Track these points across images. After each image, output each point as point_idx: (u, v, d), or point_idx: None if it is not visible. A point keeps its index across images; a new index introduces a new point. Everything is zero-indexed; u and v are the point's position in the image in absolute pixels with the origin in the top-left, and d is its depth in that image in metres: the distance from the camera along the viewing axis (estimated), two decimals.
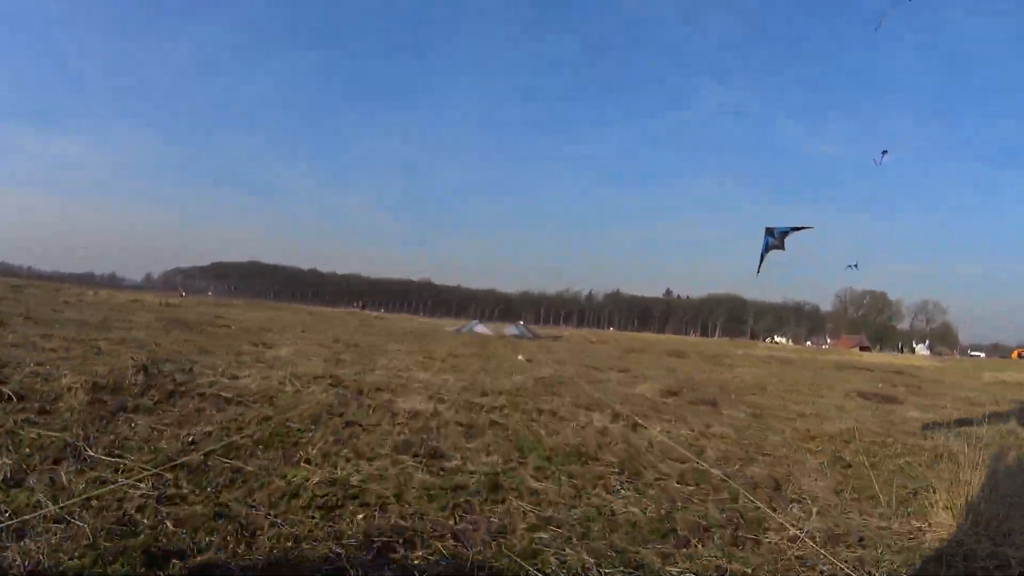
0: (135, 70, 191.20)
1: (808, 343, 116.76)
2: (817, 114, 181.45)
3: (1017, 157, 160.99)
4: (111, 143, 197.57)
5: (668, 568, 3.30)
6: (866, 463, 5.85)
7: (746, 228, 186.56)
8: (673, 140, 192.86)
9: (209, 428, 5.11)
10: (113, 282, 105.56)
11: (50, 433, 4.40)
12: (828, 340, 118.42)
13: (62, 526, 3.04)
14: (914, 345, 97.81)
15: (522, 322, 61.37)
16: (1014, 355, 61.08)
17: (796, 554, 3.60)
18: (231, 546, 3.02)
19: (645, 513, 4.10)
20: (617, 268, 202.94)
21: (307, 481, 4.00)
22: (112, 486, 3.59)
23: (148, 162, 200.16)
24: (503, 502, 4.05)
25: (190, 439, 4.73)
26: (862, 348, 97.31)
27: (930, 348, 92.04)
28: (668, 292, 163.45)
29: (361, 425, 5.80)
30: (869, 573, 3.40)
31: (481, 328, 38.94)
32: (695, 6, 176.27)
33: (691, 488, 4.81)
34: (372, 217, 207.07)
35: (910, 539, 3.95)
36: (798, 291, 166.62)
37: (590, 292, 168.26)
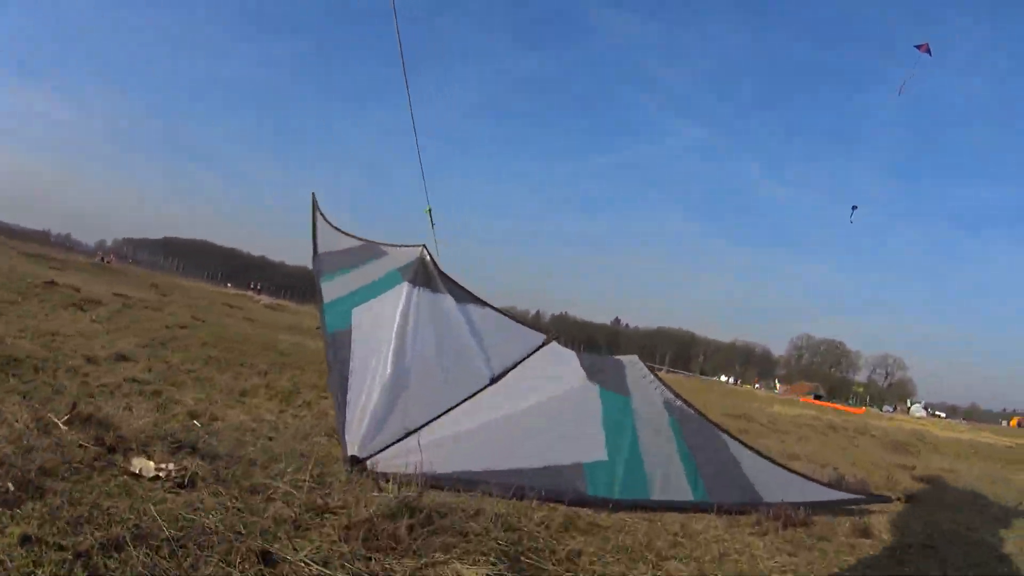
0: (116, 37, 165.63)
1: (757, 386, 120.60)
2: (783, 160, 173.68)
3: (984, 221, 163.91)
4: (82, 102, 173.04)
5: None
6: None
7: (702, 265, 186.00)
8: (631, 171, 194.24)
9: None
10: (68, 243, 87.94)
11: None
12: (778, 385, 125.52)
13: None
14: (908, 404, 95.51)
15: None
16: (1014, 423, 65.77)
17: None
18: None
19: None
20: (564, 291, 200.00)
21: None
22: None
23: (117, 127, 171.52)
24: None
25: None
26: (816, 397, 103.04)
27: (926, 408, 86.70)
28: (616, 320, 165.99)
29: None
30: None
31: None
32: (673, 44, 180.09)
33: None
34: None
35: None
36: (748, 333, 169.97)
37: (537, 312, 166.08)
